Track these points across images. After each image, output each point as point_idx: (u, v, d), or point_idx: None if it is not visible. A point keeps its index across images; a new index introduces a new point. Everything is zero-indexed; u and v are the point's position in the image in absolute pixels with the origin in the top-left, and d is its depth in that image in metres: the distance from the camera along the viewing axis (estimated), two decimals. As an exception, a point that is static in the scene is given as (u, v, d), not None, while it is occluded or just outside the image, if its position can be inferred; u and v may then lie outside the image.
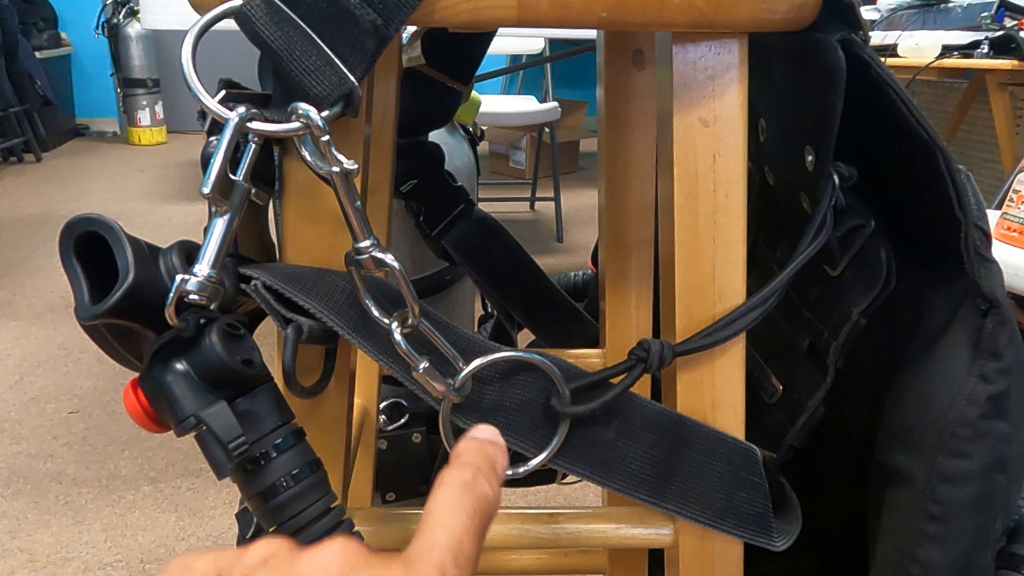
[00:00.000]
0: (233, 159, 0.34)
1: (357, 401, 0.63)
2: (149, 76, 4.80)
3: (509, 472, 0.40)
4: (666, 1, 0.35)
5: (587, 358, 0.69)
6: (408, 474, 0.88)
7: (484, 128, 1.93)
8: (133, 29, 4.66)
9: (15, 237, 3.08)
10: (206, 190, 0.33)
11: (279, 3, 0.33)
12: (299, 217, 0.39)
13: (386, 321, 0.36)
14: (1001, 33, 2.11)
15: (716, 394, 0.42)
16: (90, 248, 0.33)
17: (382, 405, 0.83)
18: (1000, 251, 1.51)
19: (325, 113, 0.34)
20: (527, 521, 0.46)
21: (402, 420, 0.88)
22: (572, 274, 0.84)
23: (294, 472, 0.35)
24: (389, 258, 0.34)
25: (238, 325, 0.35)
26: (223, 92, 0.36)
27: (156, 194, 3.77)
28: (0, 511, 1.49)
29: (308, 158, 0.34)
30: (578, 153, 4.39)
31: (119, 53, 4.74)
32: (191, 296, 0.33)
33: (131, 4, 4.62)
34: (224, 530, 1.46)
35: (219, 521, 1.48)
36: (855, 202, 0.44)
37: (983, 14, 2.23)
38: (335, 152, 0.34)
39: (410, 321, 0.36)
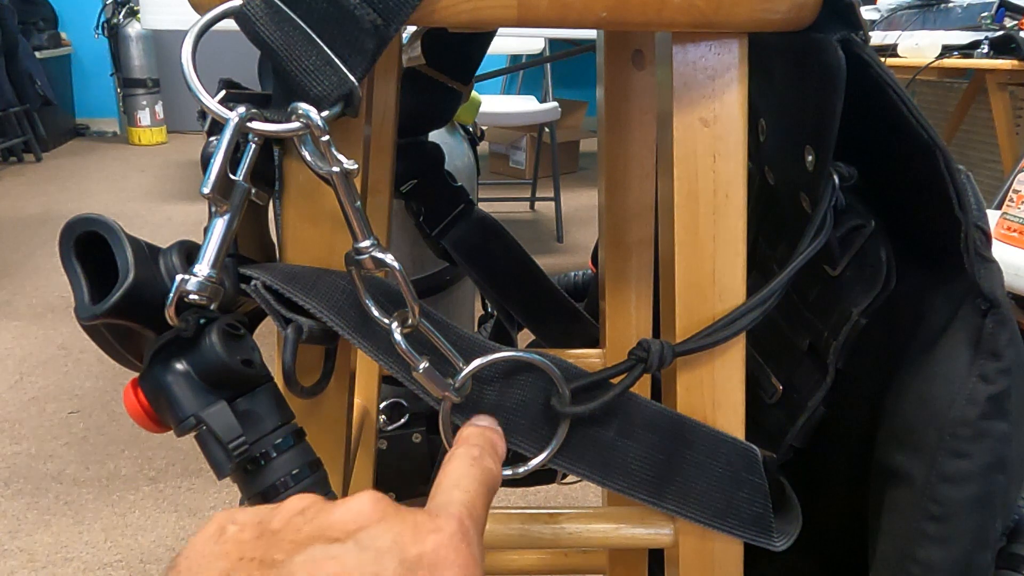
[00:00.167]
0: (233, 159, 0.34)
1: (357, 401, 0.63)
2: (149, 76, 4.80)
3: (509, 472, 0.40)
4: (666, 1, 0.35)
5: (587, 358, 0.69)
6: (408, 474, 0.88)
7: (484, 128, 1.93)
8: (133, 29, 4.66)
9: (15, 237, 3.08)
10: (206, 190, 0.33)
11: (279, 3, 0.33)
12: (299, 217, 0.39)
13: (386, 321, 0.36)
14: (1001, 33, 2.11)
15: (716, 394, 0.42)
16: (90, 248, 0.33)
17: (382, 405, 0.83)
18: (1000, 251, 1.51)
19: (325, 113, 0.34)
20: (527, 521, 0.46)
21: (402, 420, 0.88)
22: (572, 274, 0.84)
23: (294, 472, 0.35)
24: (389, 258, 0.34)
25: (238, 325, 0.35)
26: (223, 92, 0.36)
27: (156, 194, 3.77)
28: (0, 511, 1.49)
29: (308, 158, 0.34)
30: (578, 153, 4.39)
31: (119, 53, 4.73)
32: (191, 296, 0.33)
33: (131, 4, 4.62)
34: (224, 530, 1.45)
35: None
36: (855, 202, 0.44)
37: (983, 14, 2.23)
38: (335, 152, 0.34)
39: (410, 321, 0.36)
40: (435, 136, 0.75)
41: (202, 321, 0.34)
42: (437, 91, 0.69)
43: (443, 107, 0.71)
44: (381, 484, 0.88)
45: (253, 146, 0.35)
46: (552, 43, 3.30)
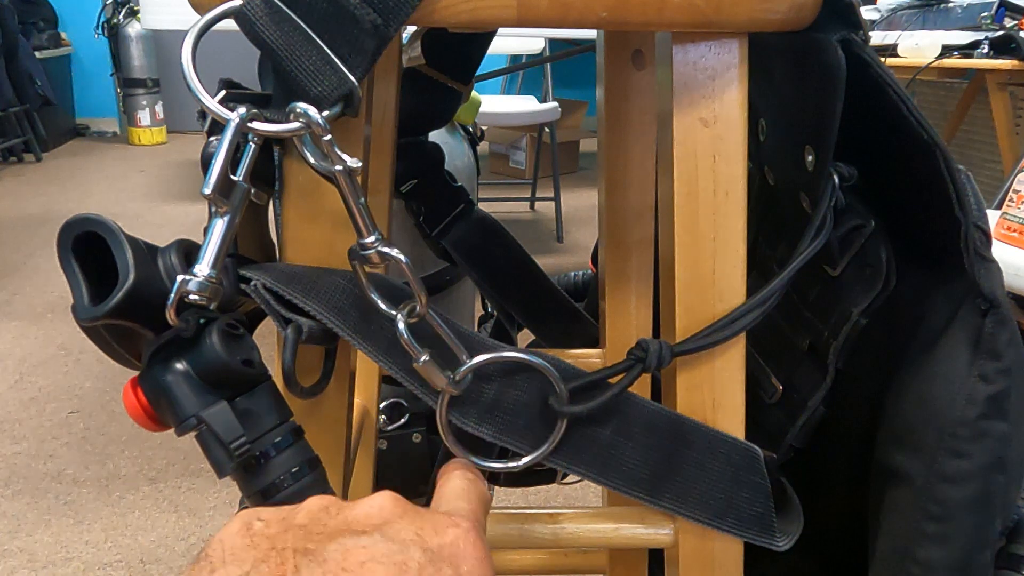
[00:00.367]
0: (233, 159, 0.34)
1: (357, 401, 0.63)
2: (149, 76, 4.80)
3: (507, 465, 0.40)
4: (666, 1, 0.35)
5: (587, 358, 0.69)
6: (408, 474, 0.88)
7: (484, 128, 1.93)
8: (133, 29, 4.66)
9: (15, 237, 3.08)
10: (207, 191, 0.33)
11: (279, 3, 0.33)
12: (299, 217, 0.39)
13: (392, 312, 0.36)
14: (1001, 33, 2.11)
15: (716, 394, 0.42)
16: (89, 248, 0.33)
17: (382, 405, 0.83)
18: (1000, 251, 1.51)
19: (325, 113, 0.34)
20: (527, 521, 0.46)
21: (402, 420, 0.88)
22: (572, 274, 0.84)
23: (293, 470, 0.35)
24: (395, 251, 0.35)
25: (238, 325, 0.35)
26: (223, 92, 0.36)
27: (156, 194, 3.77)
28: (0, 511, 1.49)
29: (309, 158, 0.34)
30: (578, 153, 4.39)
31: (119, 53, 4.74)
32: (191, 296, 0.33)
33: (131, 4, 4.62)
34: (224, 530, 1.45)
35: (219, 521, 1.48)
36: (855, 202, 0.44)
37: (983, 14, 2.23)
38: (338, 151, 0.34)
39: (418, 310, 0.36)
40: (435, 136, 0.75)
41: (202, 321, 0.34)
42: (437, 91, 0.69)
43: (443, 107, 0.71)
44: (381, 484, 0.88)
45: (253, 146, 0.35)
46: (552, 43, 3.30)
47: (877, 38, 2.47)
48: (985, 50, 2.11)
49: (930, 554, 0.40)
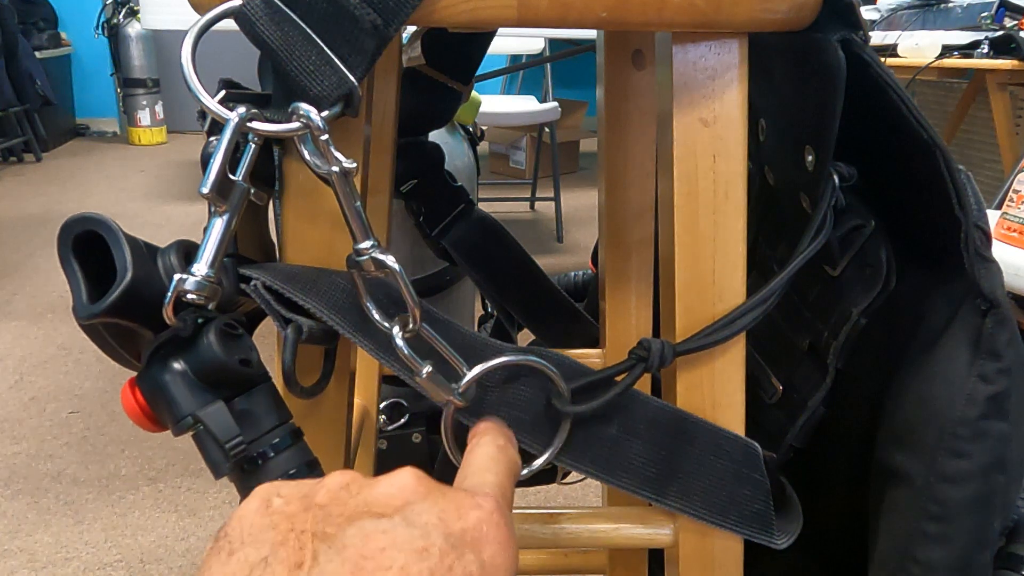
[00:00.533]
0: (233, 159, 0.34)
1: (357, 401, 0.63)
2: (149, 76, 4.80)
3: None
4: (666, 1, 0.35)
5: (587, 358, 0.69)
6: (408, 474, 0.88)
7: (484, 128, 1.93)
8: (133, 29, 4.66)
9: (15, 237, 3.08)
10: (205, 190, 0.33)
11: (279, 3, 0.33)
12: (299, 217, 0.39)
13: (387, 325, 0.36)
14: (1001, 33, 2.11)
15: (716, 394, 0.42)
16: (89, 248, 0.33)
17: (382, 405, 0.83)
18: (1000, 251, 1.51)
19: (325, 113, 0.34)
20: (527, 521, 0.46)
21: (402, 420, 0.88)
22: (572, 274, 0.84)
23: (291, 472, 0.34)
24: (390, 259, 0.34)
25: (236, 325, 0.35)
26: (223, 92, 0.36)
27: (156, 194, 3.77)
28: (0, 511, 1.49)
29: (308, 158, 0.34)
30: (578, 153, 4.39)
31: (119, 53, 4.74)
32: (189, 296, 0.33)
33: (131, 4, 4.63)
34: (224, 530, 1.45)
35: (219, 521, 1.48)
36: (855, 202, 0.44)
37: (983, 14, 2.23)
38: (334, 151, 0.34)
39: (411, 326, 0.36)
40: (435, 136, 0.75)
41: (200, 321, 0.34)
42: (437, 91, 0.69)
43: (443, 107, 0.71)
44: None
45: (253, 146, 0.35)
46: (552, 43, 3.30)
47: (877, 38, 2.47)
48: (985, 50, 2.11)
49: (930, 554, 0.40)
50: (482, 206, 0.79)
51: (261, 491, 0.27)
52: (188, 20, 0.35)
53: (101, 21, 4.71)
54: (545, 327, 0.76)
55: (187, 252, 0.35)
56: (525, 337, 0.80)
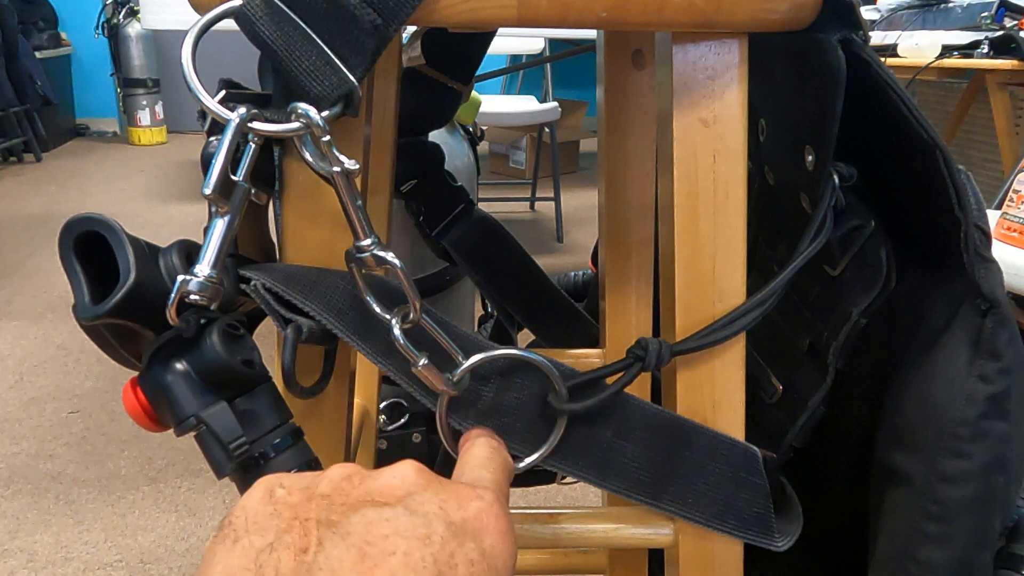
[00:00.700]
0: (233, 159, 0.34)
1: (357, 401, 0.63)
2: (149, 76, 4.80)
3: None
4: (666, 1, 0.35)
5: (587, 358, 0.69)
6: (408, 474, 0.88)
7: (484, 128, 1.93)
8: (133, 29, 4.66)
9: (15, 237, 3.08)
10: (207, 191, 0.33)
11: (279, 3, 0.33)
12: (299, 217, 0.39)
13: (387, 317, 0.36)
14: (1001, 33, 2.11)
15: (716, 394, 0.42)
16: (90, 248, 0.33)
17: (382, 405, 0.83)
18: (1000, 251, 1.51)
19: (325, 113, 0.34)
20: (527, 521, 0.46)
21: (402, 420, 0.88)
22: (572, 274, 0.84)
23: (293, 471, 0.35)
24: (390, 255, 0.34)
25: (238, 325, 0.35)
26: (223, 92, 0.36)
27: (156, 194, 3.77)
28: (0, 511, 1.49)
29: (309, 158, 0.34)
30: (578, 153, 4.39)
31: (119, 53, 4.73)
32: (192, 296, 0.33)
33: (131, 4, 4.62)
34: (224, 530, 1.45)
35: (219, 521, 1.48)
36: (855, 202, 0.44)
37: (983, 14, 2.23)
38: (336, 152, 0.34)
39: (411, 316, 0.36)
40: (435, 136, 0.75)
41: (202, 321, 0.34)
42: (437, 91, 0.69)
43: (443, 107, 0.71)
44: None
45: (253, 146, 0.35)
46: (552, 43, 3.30)
47: (877, 38, 2.47)
48: (985, 50, 2.11)
49: (930, 554, 0.40)
50: (482, 206, 0.79)
51: (264, 482, 0.27)
52: (188, 20, 0.35)
53: (101, 21, 4.70)
54: (545, 327, 0.76)
55: (188, 252, 0.35)
56: (525, 337, 0.80)
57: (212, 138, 0.38)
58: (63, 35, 4.93)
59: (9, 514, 1.48)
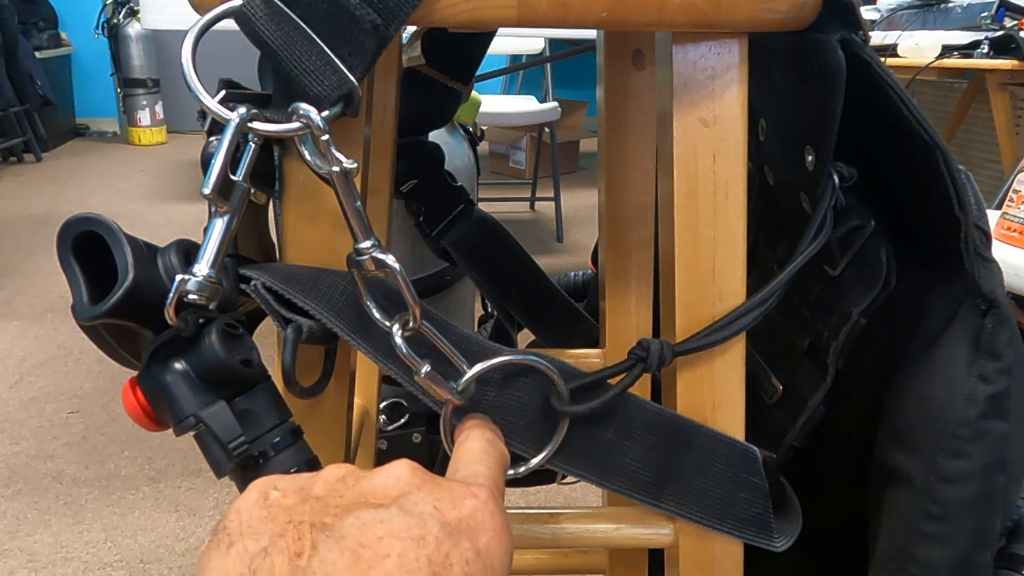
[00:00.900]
0: (233, 159, 0.34)
1: (357, 401, 0.63)
2: (149, 76, 4.80)
3: (510, 472, 0.40)
4: (666, 1, 0.35)
5: (587, 358, 0.69)
6: (408, 474, 0.88)
7: (484, 128, 1.93)
8: (133, 29, 4.66)
9: (15, 237, 3.08)
10: (207, 191, 0.33)
11: (279, 3, 0.33)
12: (299, 217, 0.39)
13: (387, 324, 0.36)
14: (1001, 33, 2.11)
15: (716, 394, 0.42)
16: (88, 248, 0.33)
17: (382, 405, 0.83)
18: (1000, 251, 1.51)
19: (325, 113, 0.34)
20: (527, 521, 0.46)
21: (402, 420, 0.88)
22: (572, 274, 0.84)
23: (292, 470, 0.35)
24: (390, 259, 0.34)
25: (237, 325, 0.35)
26: (223, 92, 0.36)
27: (156, 194, 3.77)
28: (0, 511, 1.49)
29: (308, 158, 0.34)
30: (578, 153, 4.39)
31: (119, 53, 4.74)
32: (191, 296, 0.33)
33: (131, 4, 4.63)
34: (224, 530, 1.45)
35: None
36: (855, 202, 0.44)
37: (983, 14, 2.23)
38: (335, 152, 0.34)
39: (411, 324, 0.36)
40: (435, 136, 0.75)
41: (201, 321, 0.34)
42: (437, 91, 0.69)
43: (443, 107, 0.71)
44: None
45: (253, 146, 0.35)
46: (552, 43, 3.30)
47: (877, 38, 2.47)
48: (985, 50, 2.11)
49: (930, 554, 0.40)
50: (482, 206, 0.79)
51: (258, 484, 0.27)
52: (188, 20, 0.35)
53: (101, 21, 4.71)
54: (545, 327, 0.76)
55: (187, 252, 0.35)
56: (525, 337, 0.80)
57: (212, 138, 0.38)
58: (63, 35, 4.93)
59: (9, 514, 1.48)
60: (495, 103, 3.11)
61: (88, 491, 1.56)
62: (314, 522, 0.25)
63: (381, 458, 0.84)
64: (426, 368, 0.36)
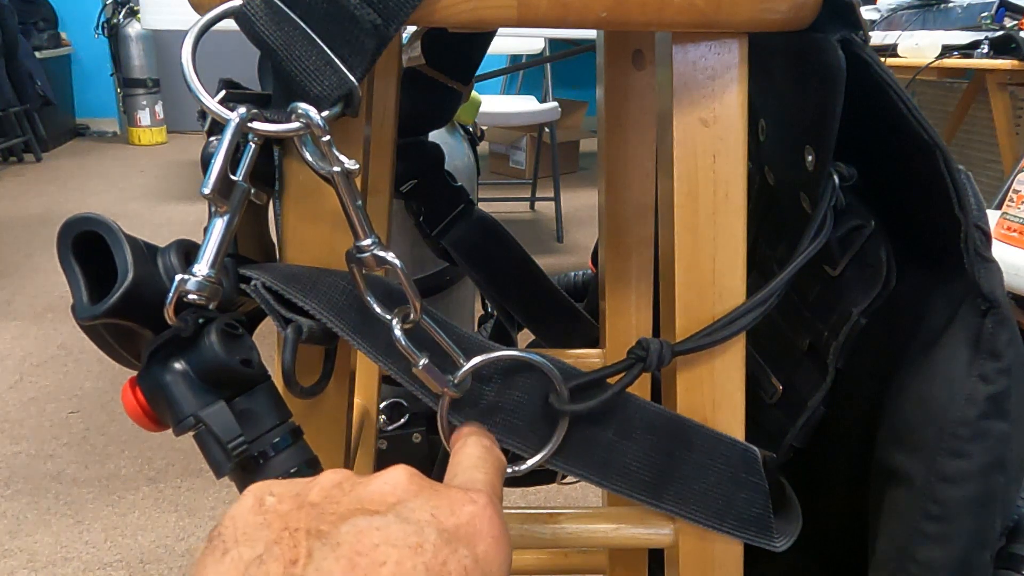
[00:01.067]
0: (233, 159, 0.34)
1: (357, 401, 0.63)
2: (149, 76, 4.80)
3: (509, 470, 0.40)
4: (666, 1, 0.35)
5: (587, 358, 0.69)
6: (408, 474, 0.88)
7: (484, 128, 1.93)
8: (133, 29, 4.66)
9: (15, 237, 3.08)
10: (206, 190, 0.33)
11: (279, 3, 0.33)
12: (299, 217, 0.39)
13: (387, 317, 0.36)
14: (1001, 33, 2.11)
15: (716, 394, 0.42)
16: (88, 248, 0.33)
17: (382, 405, 0.83)
18: (1000, 251, 1.51)
19: (325, 113, 0.34)
20: (527, 521, 0.46)
21: (402, 420, 0.88)
22: (572, 274, 0.84)
23: (292, 470, 0.35)
24: (391, 255, 0.34)
25: (237, 325, 0.35)
26: (223, 92, 0.36)
27: (156, 194, 3.77)
28: (0, 511, 1.49)
29: (309, 158, 0.34)
30: (578, 153, 4.39)
31: (119, 53, 4.74)
32: (190, 296, 0.33)
33: (131, 4, 4.62)
34: (224, 530, 1.45)
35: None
36: (855, 202, 0.44)
37: (983, 14, 2.23)
38: (336, 152, 0.34)
39: (412, 317, 0.36)
40: (435, 136, 0.75)
41: (201, 321, 0.34)
42: (437, 91, 0.69)
43: (443, 107, 0.71)
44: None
45: (253, 146, 0.35)
46: (552, 43, 3.30)
47: (877, 38, 2.47)
48: (985, 50, 2.11)
49: (930, 554, 0.40)
50: (482, 206, 0.79)
51: (254, 490, 0.27)
52: (188, 20, 0.35)
53: (101, 21, 4.71)
54: (545, 327, 0.76)
55: (187, 252, 0.35)
56: (525, 337, 0.80)
57: (212, 138, 0.38)
58: (63, 35, 4.93)
59: (9, 514, 1.48)
60: (495, 103, 3.11)
61: (88, 491, 1.56)
62: (310, 529, 0.25)
63: (381, 458, 0.84)
64: (424, 360, 0.36)
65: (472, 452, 0.33)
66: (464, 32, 0.65)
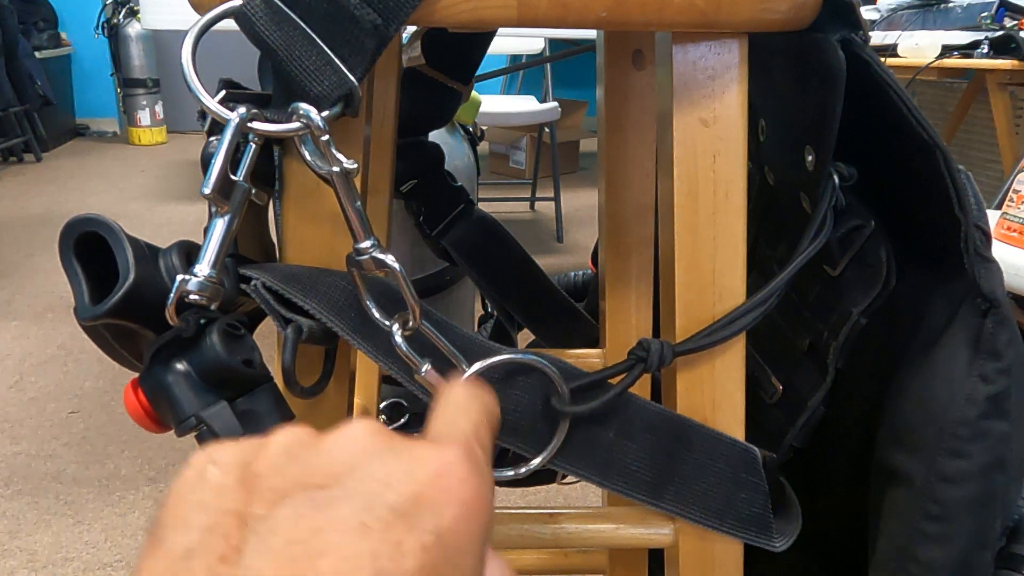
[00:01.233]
0: (233, 159, 0.34)
1: (357, 401, 0.63)
2: (149, 76, 4.80)
3: (511, 472, 0.40)
4: (666, 1, 0.35)
5: (587, 358, 0.69)
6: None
7: (484, 128, 1.93)
8: (133, 29, 4.66)
9: (15, 237, 3.08)
10: (207, 191, 0.33)
11: (279, 3, 0.34)
12: (299, 217, 0.39)
13: (387, 323, 0.36)
14: (1001, 33, 2.11)
15: (716, 394, 0.42)
16: (90, 248, 0.33)
17: (382, 405, 0.83)
18: (1000, 251, 1.51)
19: (325, 113, 0.34)
20: (527, 521, 0.46)
21: (402, 420, 0.88)
22: (572, 274, 0.84)
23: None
24: (390, 259, 0.34)
25: (238, 325, 0.35)
26: (223, 92, 0.36)
27: (156, 194, 3.77)
28: (0, 511, 1.49)
29: (308, 158, 0.34)
30: (578, 153, 4.39)
31: (119, 53, 4.74)
32: (191, 296, 0.33)
33: (131, 4, 4.62)
34: (224, 530, 1.45)
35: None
36: (855, 202, 0.44)
37: (983, 14, 2.23)
38: (335, 152, 0.34)
39: (411, 324, 0.36)
40: (435, 136, 0.75)
41: (202, 321, 0.34)
42: (437, 91, 0.69)
43: (443, 107, 0.71)
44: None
45: (253, 146, 0.35)
46: (552, 43, 3.30)
47: (877, 38, 2.47)
48: (985, 50, 2.11)
49: (930, 554, 0.40)
50: (482, 206, 0.79)
51: (196, 460, 0.22)
52: (188, 20, 0.35)
53: (101, 21, 4.70)
54: (545, 327, 0.76)
55: (188, 252, 0.35)
56: (525, 337, 0.80)
57: (212, 138, 0.38)
58: (63, 35, 4.93)
59: (9, 514, 1.48)
60: (495, 103, 3.11)
61: (88, 491, 1.56)
62: (247, 512, 0.20)
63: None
64: (426, 367, 0.36)
65: (458, 396, 0.27)
66: (464, 32, 0.65)
